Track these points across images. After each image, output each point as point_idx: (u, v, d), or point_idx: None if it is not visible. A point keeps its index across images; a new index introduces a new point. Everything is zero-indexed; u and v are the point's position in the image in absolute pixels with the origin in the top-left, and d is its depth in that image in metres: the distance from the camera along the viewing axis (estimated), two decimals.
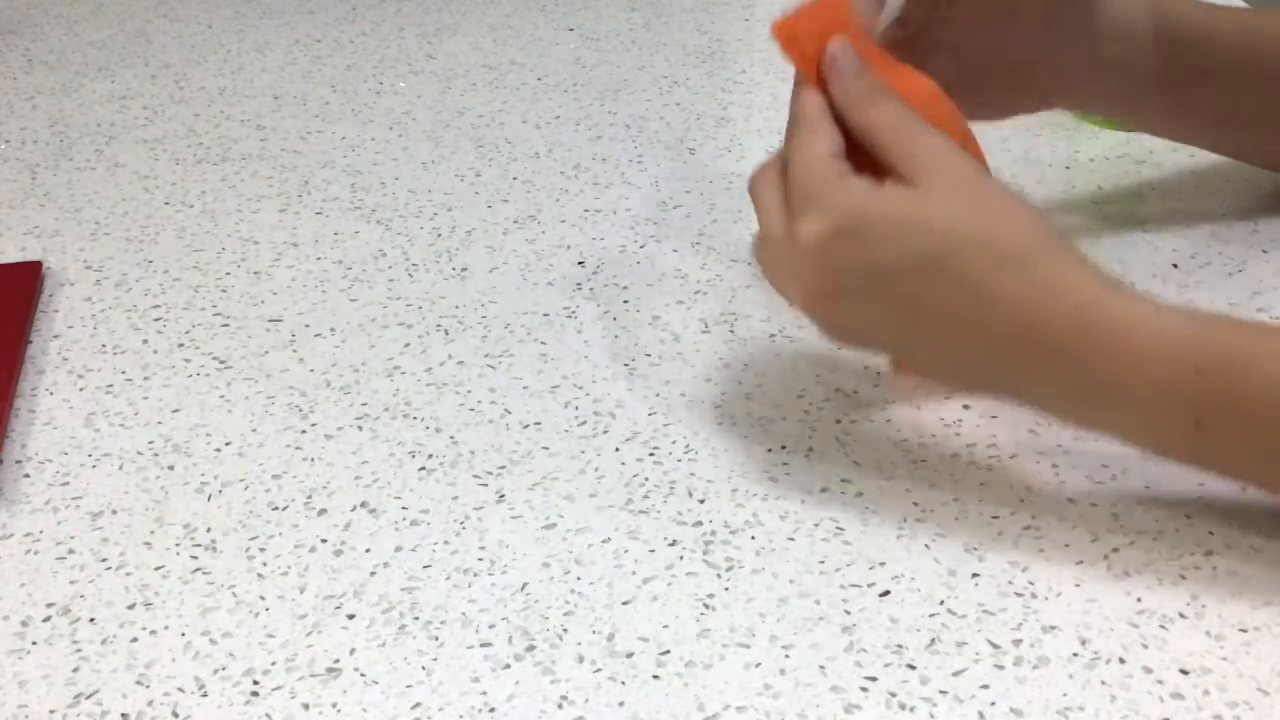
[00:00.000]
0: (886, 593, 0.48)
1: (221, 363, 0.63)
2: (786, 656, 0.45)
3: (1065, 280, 0.46)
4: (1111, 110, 0.69)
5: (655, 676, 0.45)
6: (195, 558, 0.51)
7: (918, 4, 0.58)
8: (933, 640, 0.46)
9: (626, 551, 0.50)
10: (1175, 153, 0.75)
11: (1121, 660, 0.44)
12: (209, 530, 0.52)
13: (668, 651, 0.46)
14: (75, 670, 0.46)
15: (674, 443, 0.56)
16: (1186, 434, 0.46)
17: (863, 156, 0.50)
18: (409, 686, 0.45)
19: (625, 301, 0.66)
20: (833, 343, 0.53)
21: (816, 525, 0.51)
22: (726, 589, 0.48)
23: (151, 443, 0.57)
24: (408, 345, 0.63)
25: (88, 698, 0.45)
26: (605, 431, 0.57)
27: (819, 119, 0.50)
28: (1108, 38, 0.61)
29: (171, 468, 0.56)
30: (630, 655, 0.45)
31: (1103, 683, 0.44)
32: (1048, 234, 0.48)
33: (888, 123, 0.50)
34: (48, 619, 0.48)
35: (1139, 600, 0.47)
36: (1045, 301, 0.46)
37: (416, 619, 0.47)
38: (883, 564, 0.49)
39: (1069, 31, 0.61)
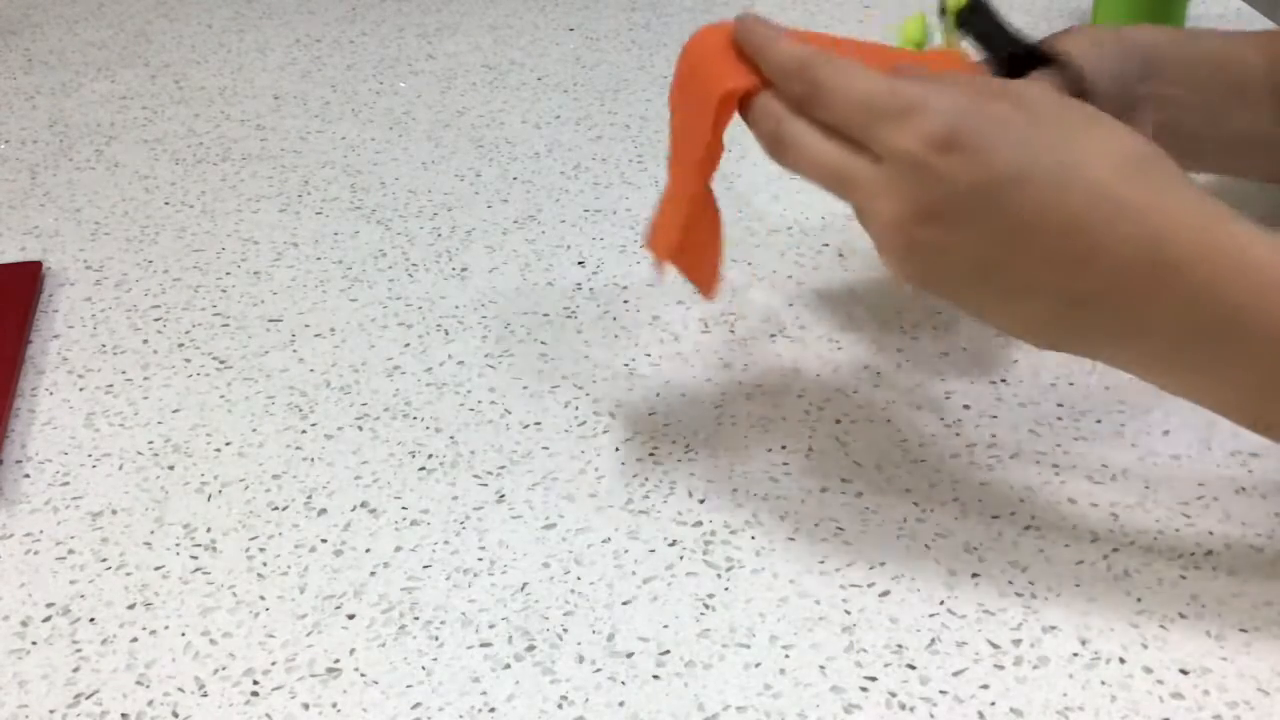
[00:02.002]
0: (886, 593, 0.48)
1: (221, 363, 0.63)
2: (786, 656, 0.45)
3: (1190, 194, 0.43)
4: None
5: (655, 676, 0.45)
6: (195, 558, 0.51)
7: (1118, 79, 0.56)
8: (933, 640, 0.46)
9: (626, 551, 0.50)
10: None
11: (1121, 660, 0.44)
12: (209, 530, 0.52)
13: (668, 651, 0.46)
14: (75, 670, 0.46)
15: (674, 443, 0.56)
16: None
17: None
18: (409, 686, 0.45)
19: (625, 301, 0.66)
20: (908, 284, 0.46)
21: (816, 525, 0.51)
22: (726, 589, 0.48)
23: (151, 443, 0.57)
24: (408, 345, 0.63)
25: (88, 698, 0.45)
26: (605, 431, 0.57)
27: (833, 51, 0.45)
28: None
29: (171, 468, 0.56)
30: (630, 655, 0.45)
31: (1103, 683, 0.44)
32: (1158, 149, 0.44)
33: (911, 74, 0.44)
34: (48, 619, 0.48)
35: (1139, 600, 0.47)
36: (1175, 212, 0.42)
37: (416, 619, 0.47)
38: (883, 564, 0.49)
39: None
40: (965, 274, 0.44)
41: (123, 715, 0.44)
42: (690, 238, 0.50)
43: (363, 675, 0.45)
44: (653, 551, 0.50)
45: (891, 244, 0.44)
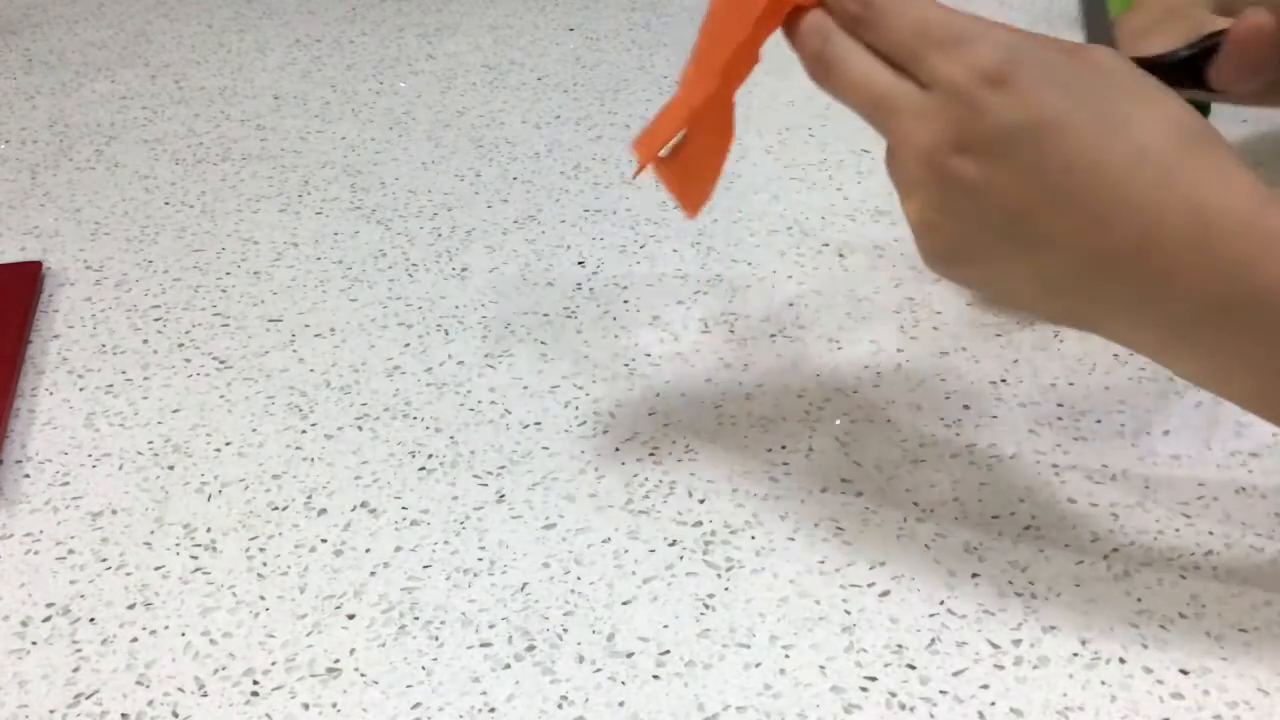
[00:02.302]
0: (886, 593, 0.48)
1: (221, 363, 0.63)
2: (786, 656, 0.45)
3: (1238, 173, 0.42)
4: None
5: (655, 676, 0.45)
6: (195, 558, 0.51)
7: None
8: (933, 640, 0.46)
9: (626, 551, 0.50)
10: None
11: (1121, 660, 0.44)
12: (209, 530, 0.52)
13: (668, 651, 0.46)
14: (75, 670, 0.46)
15: (674, 443, 0.56)
16: None
17: None
18: (409, 686, 0.45)
19: (625, 301, 0.66)
20: (923, 236, 0.44)
21: (816, 525, 0.51)
22: (726, 589, 0.48)
23: (151, 443, 0.57)
24: (408, 345, 0.63)
25: (88, 698, 0.45)
26: (605, 431, 0.57)
27: None
28: None
29: (171, 468, 0.56)
30: (630, 655, 0.45)
31: (1103, 683, 0.44)
32: (1213, 128, 0.43)
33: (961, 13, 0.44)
34: (48, 619, 0.48)
35: (1139, 600, 0.47)
36: (1220, 186, 0.41)
37: (416, 619, 0.47)
38: (883, 564, 0.49)
39: None
40: (988, 218, 0.42)
41: (123, 715, 0.44)
42: (684, 149, 0.48)
43: (363, 675, 0.45)
44: (653, 551, 0.50)
45: (921, 176, 0.43)
